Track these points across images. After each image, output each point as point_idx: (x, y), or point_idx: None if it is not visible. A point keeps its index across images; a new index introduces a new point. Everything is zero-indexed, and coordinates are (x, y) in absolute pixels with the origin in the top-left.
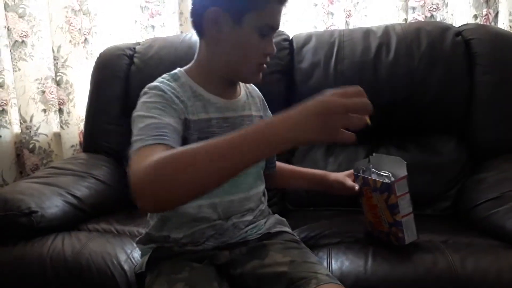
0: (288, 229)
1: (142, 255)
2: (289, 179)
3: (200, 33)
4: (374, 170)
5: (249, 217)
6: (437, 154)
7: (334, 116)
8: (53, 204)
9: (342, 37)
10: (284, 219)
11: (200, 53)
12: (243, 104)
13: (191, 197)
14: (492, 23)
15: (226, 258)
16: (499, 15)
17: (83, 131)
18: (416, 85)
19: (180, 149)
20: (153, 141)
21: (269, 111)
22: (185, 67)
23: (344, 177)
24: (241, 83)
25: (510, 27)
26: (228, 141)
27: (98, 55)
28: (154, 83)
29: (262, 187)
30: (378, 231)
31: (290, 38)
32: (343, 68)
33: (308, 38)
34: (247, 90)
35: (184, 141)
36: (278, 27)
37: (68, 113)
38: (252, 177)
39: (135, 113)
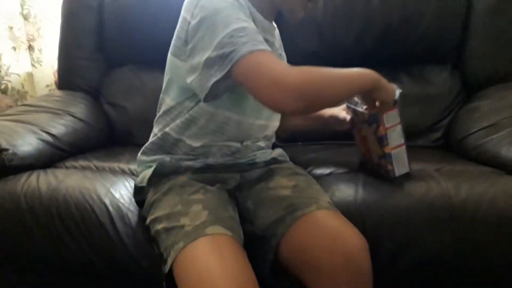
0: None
1: (141, 171)
2: (290, 118)
3: None
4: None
5: (261, 144)
6: (430, 84)
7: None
8: (27, 142)
9: None
10: (286, 154)
11: None
12: (276, 35)
13: (321, 108)
14: None
15: (237, 181)
16: None
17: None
18: (409, 11)
19: (317, 69)
20: (264, 46)
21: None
22: None
23: (339, 111)
24: None
25: None
26: (346, 75)
27: None
28: None
29: (277, 123)
30: (371, 163)
31: None
32: None
33: None
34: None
35: None
36: None
37: (40, 50)
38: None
39: (215, 10)
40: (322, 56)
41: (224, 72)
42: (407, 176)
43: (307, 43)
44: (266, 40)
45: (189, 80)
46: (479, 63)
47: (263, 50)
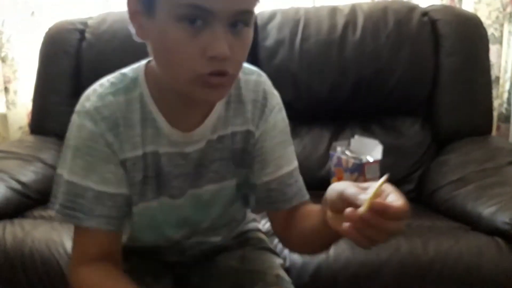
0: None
1: None
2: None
3: None
4: (349, 152)
5: (216, 238)
6: (402, 136)
7: None
8: None
9: (308, 15)
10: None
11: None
12: (215, 124)
13: None
14: (457, 5)
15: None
16: None
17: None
18: (382, 65)
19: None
20: (80, 222)
21: (278, 116)
22: (152, 64)
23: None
24: None
25: (475, 9)
26: None
27: (47, 30)
28: (87, 107)
29: (232, 215)
30: None
31: None
32: (308, 46)
33: (272, 15)
34: (236, 94)
35: (131, 181)
36: (212, 6)
37: (15, 92)
38: (217, 209)
39: (67, 144)
40: (297, 107)
41: None
42: None
43: (282, 94)
44: (185, 154)
45: None
46: (448, 116)
47: (76, 229)
